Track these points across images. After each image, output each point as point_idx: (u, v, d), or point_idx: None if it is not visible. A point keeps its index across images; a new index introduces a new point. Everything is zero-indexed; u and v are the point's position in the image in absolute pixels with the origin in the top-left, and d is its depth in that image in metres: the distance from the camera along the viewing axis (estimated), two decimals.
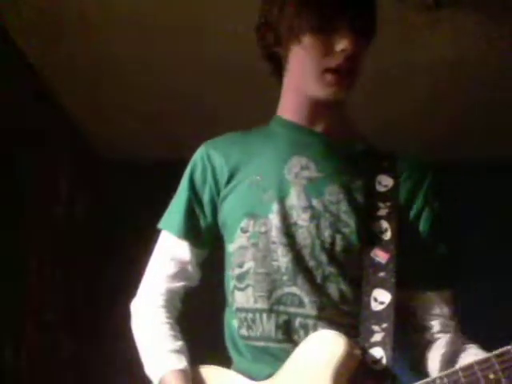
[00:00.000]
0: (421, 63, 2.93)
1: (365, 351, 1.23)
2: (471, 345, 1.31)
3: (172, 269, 1.41)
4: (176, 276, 1.42)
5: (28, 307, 2.93)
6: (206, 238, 1.43)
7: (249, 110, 3.18)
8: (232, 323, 1.36)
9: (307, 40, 1.31)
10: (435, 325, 1.34)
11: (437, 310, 1.34)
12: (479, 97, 3.18)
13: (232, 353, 1.37)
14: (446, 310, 1.35)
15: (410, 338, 1.36)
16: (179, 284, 1.42)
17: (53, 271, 3.20)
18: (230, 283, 1.37)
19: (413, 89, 3.13)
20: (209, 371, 1.33)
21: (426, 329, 1.34)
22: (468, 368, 1.14)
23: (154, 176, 3.69)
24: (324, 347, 1.21)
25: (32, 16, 2.64)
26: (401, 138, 3.20)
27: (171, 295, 1.42)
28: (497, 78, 3.02)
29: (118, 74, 3.06)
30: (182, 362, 1.30)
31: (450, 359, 1.28)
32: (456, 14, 2.61)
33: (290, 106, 1.42)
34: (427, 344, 1.33)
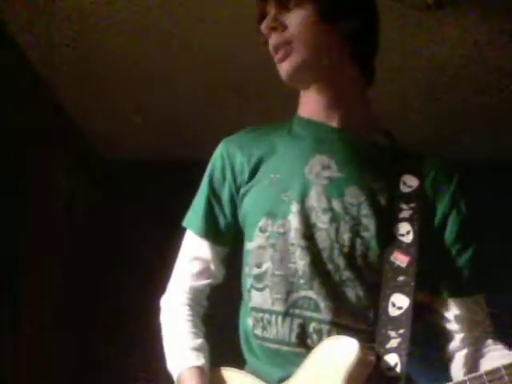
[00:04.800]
0: (421, 63, 2.93)
1: (379, 357, 1.21)
2: (497, 352, 1.28)
3: (196, 267, 1.42)
4: (200, 274, 1.42)
5: (28, 307, 2.92)
6: (227, 236, 1.43)
7: (251, 110, 3.18)
8: (247, 321, 1.35)
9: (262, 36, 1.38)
10: (466, 330, 1.31)
11: (468, 315, 1.32)
12: (480, 96, 3.18)
13: (245, 351, 1.37)
14: (477, 315, 1.33)
15: (442, 346, 1.34)
16: (204, 282, 1.43)
17: (53, 271, 3.20)
18: (247, 281, 1.36)
19: (413, 88, 3.13)
20: (228, 374, 1.33)
21: (456, 335, 1.32)
22: (494, 372, 1.12)
23: (155, 176, 3.69)
24: (338, 353, 1.19)
25: (32, 16, 2.64)
26: (400, 138, 3.20)
27: (196, 293, 1.42)
28: (497, 77, 3.02)
29: (118, 73, 3.06)
30: (199, 360, 1.30)
31: (476, 367, 1.27)
32: (456, 13, 2.60)
33: (304, 106, 1.42)
34: (453, 354, 1.32)
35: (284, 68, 1.34)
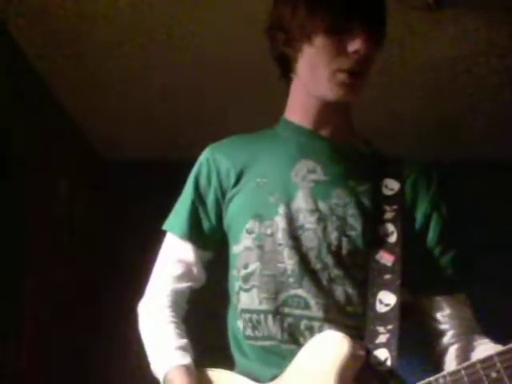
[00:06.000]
0: (421, 63, 2.93)
1: (370, 352, 1.24)
2: (487, 345, 1.31)
3: (177, 270, 1.42)
4: (181, 277, 1.42)
5: (28, 307, 2.93)
6: (210, 240, 1.43)
7: (250, 110, 3.18)
8: (236, 324, 1.36)
9: (319, 40, 1.31)
10: (455, 327, 1.34)
11: (455, 313, 1.34)
12: (479, 96, 3.18)
13: (235, 354, 1.37)
14: (464, 313, 1.36)
15: (428, 343, 1.36)
16: (185, 285, 1.43)
17: (53, 271, 3.20)
18: (235, 284, 1.37)
19: (412, 88, 3.13)
20: (216, 374, 1.34)
21: (446, 332, 1.34)
22: (470, 366, 1.14)
23: (154, 176, 3.69)
24: (328, 348, 1.22)
25: (33, 16, 2.64)
26: (400, 138, 3.21)
27: (177, 296, 1.43)
28: (497, 77, 3.03)
29: (118, 73, 3.06)
30: (186, 359, 1.31)
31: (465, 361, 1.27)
32: (456, 13, 2.61)
33: (297, 109, 1.42)
34: (447, 347, 1.33)
35: (348, 94, 1.32)
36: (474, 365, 1.14)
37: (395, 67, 2.92)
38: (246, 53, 2.80)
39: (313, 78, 1.35)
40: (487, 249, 3.50)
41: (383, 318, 1.27)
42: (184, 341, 1.35)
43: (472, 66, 2.95)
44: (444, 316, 1.34)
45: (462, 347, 1.32)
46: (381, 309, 1.28)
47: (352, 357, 1.20)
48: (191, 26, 2.72)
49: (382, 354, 1.24)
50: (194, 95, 3.20)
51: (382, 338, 1.25)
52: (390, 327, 1.26)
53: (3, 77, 2.70)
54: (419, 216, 1.38)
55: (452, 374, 1.16)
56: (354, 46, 1.28)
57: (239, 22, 2.64)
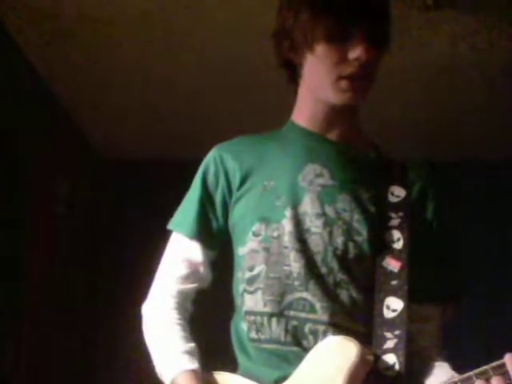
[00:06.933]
0: (420, 63, 2.93)
1: (377, 357, 1.24)
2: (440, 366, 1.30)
3: (184, 270, 1.40)
4: (188, 277, 1.41)
5: (28, 307, 2.93)
6: (217, 240, 1.42)
7: (249, 111, 3.19)
8: (241, 326, 1.35)
9: (321, 48, 1.31)
10: (422, 339, 1.33)
11: (427, 325, 1.34)
12: (479, 97, 3.18)
13: (239, 356, 1.36)
14: (432, 326, 1.35)
15: None
16: (191, 286, 1.41)
17: (53, 271, 3.20)
18: (240, 286, 1.36)
19: (412, 89, 3.13)
20: (221, 377, 1.33)
21: (413, 341, 1.33)
22: (483, 373, 1.14)
23: (154, 176, 3.70)
24: (336, 352, 1.21)
25: (32, 16, 2.64)
26: (400, 138, 3.21)
27: (183, 297, 1.41)
28: (496, 78, 3.03)
29: (118, 73, 3.07)
30: (193, 363, 1.29)
31: None
32: (455, 14, 2.61)
33: (305, 113, 1.42)
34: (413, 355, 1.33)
35: (353, 97, 1.33)
36: (486, 371, 1.14)
37: (395, 67, 2.92)
38: (246, 52, 2.80)
39: (317, 85, 1.35)
40: (487, 249, 3.51)
41: (391, 324, 1.27)
42: (191, 345, 1.34)
43: (471, 66, 2.95)
44: (415, 325, 1.32)
45: (418, 362, 1.31)
46: (388, 314, 1.28)
47: (360, 361, 1.19)
48: (193, 28, 2.72)
49: (390, 359, 1.24)
50: (195, 95, 3.20)
51: (390, 344, 1.25)
52: (397, 332, 1.26)
53: (3, 77, 2.70)
54: (421, 223, 1.38)
55: (463, 380, 1.15)
56: (355, 53, 1.28)
57: (240, 22, 2.64)
